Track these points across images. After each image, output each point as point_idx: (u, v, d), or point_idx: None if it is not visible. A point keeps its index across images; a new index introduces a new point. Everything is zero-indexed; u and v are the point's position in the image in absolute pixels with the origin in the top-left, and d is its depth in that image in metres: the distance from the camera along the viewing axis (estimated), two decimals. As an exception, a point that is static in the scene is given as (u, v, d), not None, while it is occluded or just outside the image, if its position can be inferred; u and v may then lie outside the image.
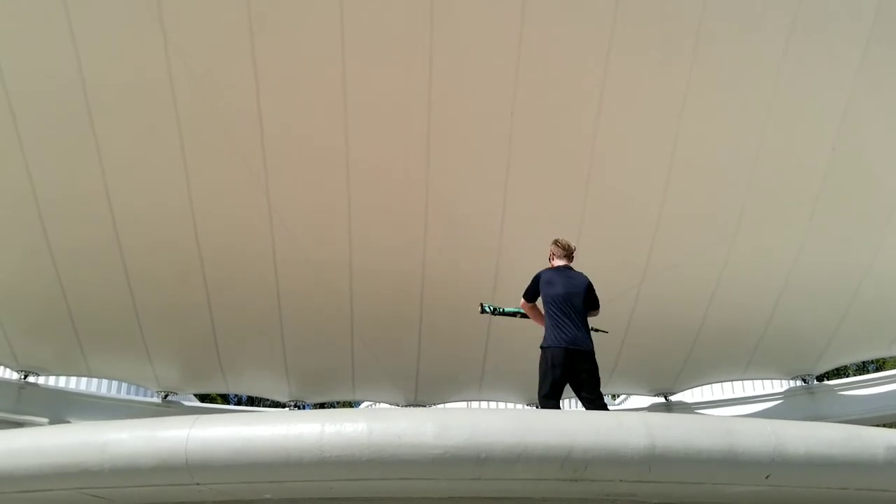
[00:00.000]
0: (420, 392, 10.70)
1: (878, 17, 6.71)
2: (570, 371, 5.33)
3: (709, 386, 12.28)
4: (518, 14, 6.67)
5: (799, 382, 10.85)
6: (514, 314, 6.29)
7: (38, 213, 7.71)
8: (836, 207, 7.99)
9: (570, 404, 15.76)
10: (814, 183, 7.87)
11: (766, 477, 3.75)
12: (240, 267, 8.56)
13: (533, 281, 5.74)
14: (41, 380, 10.32)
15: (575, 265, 5.83)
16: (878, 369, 18.58)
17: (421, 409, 10.19)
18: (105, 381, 12.44)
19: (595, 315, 5.79)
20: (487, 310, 6.38)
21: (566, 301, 5.47)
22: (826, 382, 10.84)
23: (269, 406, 19.22)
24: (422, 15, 6.65)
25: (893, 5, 6.67)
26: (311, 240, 8.37)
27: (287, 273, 8.63)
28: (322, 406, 15.70)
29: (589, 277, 5.72)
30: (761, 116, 7.42)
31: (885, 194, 7.98)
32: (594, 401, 5.35)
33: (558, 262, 5.80)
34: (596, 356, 5.44)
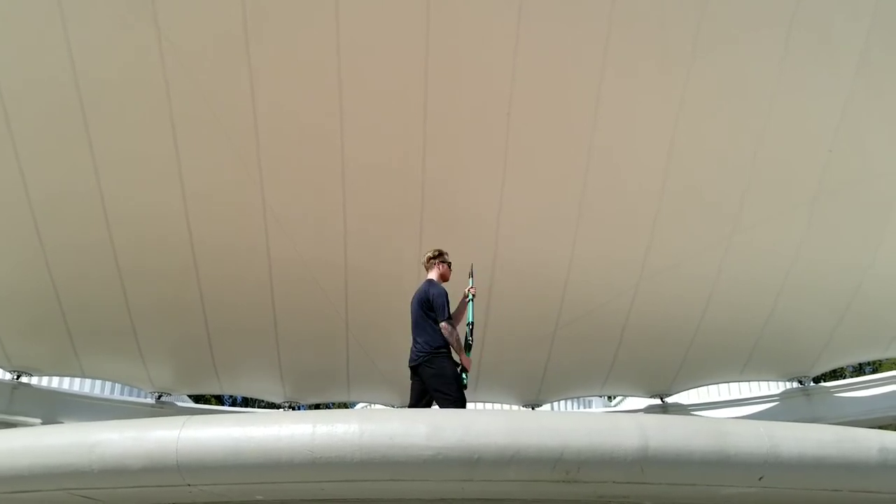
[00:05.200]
0: (415, 393, 10.66)
1: (875, 21, 6.72)
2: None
3: (705, 388, 12.29)
4: (515, 12, 6.67)
5: (795, 384, 10.85)
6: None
7: (31, 213, 7.66)
8: (834, 209, 7.99)
9: (564, 406, 15.77)
10: (811, 184, 7.87)
11: (760, 478, 3.74)
12: (234, 266, 8.53)
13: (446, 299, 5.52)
14: (34, 380, 10.29)
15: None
16: (874, 371, 18.62)
17: (413, 409, 10.17)
18: (98, 382, 12.42)
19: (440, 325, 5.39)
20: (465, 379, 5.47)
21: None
22: (822, 384, 10.84)
23: (264, 408, 19.21)
24: (418, 13, 6.64)
25: (889, 9, 6.68)
26: (306, 239, 8.34)
27: (281, 272, 8.61)
28: (317, 407, 15.69)
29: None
30: (759, 117, 7.42)
31: (883, 196, 7.98)
32: None
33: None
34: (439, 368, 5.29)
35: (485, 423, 3.73)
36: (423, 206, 8.10)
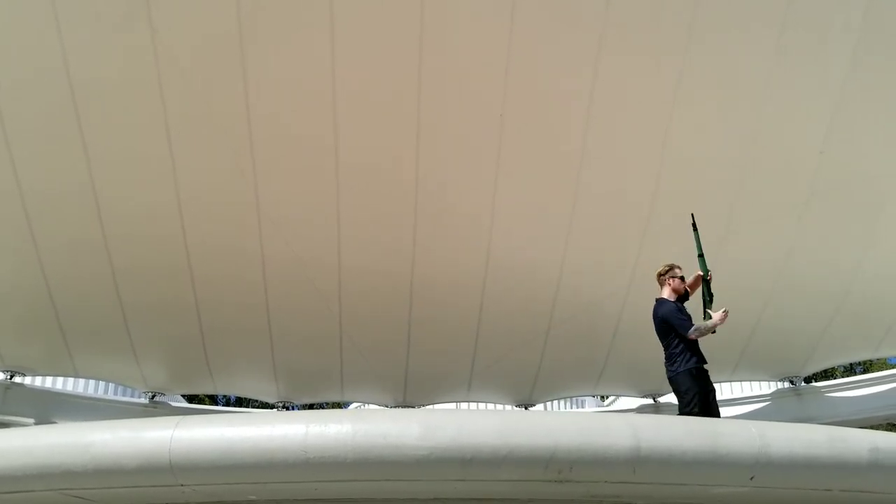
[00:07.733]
0: (409, 393, 10.68)
1: (866, 23, 6.76)
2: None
3: (697, 388, 12.29)
4: (508, 14, 6.68)
5: (786, 384, 10.89)
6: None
7: (24, 211, 7.64)
8: (825, 210, 8.02)
9: (559, 405, 15.81)
10: (802, 186, 7.91)
11: (751, 478, 3.77)
12: (228, 265, 8.52)
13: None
14: (27, 380, 10.24)
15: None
16: (864, 371, 18.72)
17: (406, 409, 10.18)
18: (92, 382, 12.36)
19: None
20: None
21: None
22: (813, 384, 10.89)
23: (258, 407, 19.18)
24: (412, 15, 6.65)
25: (881, 10, 6.72)
26: (300, 238, 8.34)
27: (276, 272, 8.60)
28: (311, 407, 15.67)
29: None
30: (750, 120, 7.45)
31: (874, 197, 8.02)
32: None
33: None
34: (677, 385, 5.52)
35: (477, 422, 3.75)
36: (416, 206, 8.10)
